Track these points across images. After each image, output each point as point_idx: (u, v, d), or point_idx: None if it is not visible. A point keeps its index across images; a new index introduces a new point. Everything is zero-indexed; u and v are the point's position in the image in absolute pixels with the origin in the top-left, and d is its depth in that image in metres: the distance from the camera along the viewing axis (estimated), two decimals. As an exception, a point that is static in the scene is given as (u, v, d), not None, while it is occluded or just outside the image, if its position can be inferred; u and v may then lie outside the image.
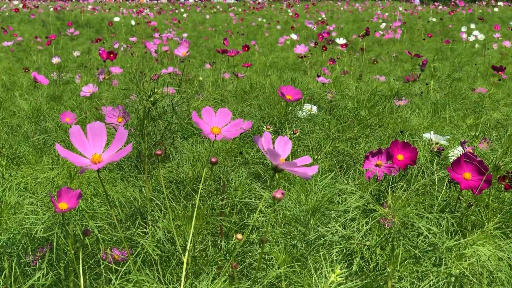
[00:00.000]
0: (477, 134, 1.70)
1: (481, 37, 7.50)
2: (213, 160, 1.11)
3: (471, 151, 1.30)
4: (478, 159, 1.22)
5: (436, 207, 1.27)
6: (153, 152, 1.57)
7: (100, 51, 3.62)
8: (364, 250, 1.20)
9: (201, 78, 3.60)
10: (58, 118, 2.25)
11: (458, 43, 7.72)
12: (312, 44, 6.89)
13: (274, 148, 0.98)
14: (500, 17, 13.15)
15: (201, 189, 1.10)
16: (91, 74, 4.53)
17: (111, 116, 1.69)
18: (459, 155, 1.25)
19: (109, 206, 1.00)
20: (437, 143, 1.51)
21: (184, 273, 1.08)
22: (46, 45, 6.40)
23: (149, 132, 1.53)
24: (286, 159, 0.98)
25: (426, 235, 1.13)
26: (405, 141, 1.28)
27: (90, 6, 18.13)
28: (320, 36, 6.93)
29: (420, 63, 3.11)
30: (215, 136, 1.08)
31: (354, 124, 2.25)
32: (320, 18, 13.18)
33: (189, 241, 1.12)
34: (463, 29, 8.72)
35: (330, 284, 0.98)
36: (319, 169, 1.62)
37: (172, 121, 1.57)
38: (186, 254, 1.10)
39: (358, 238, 1.15)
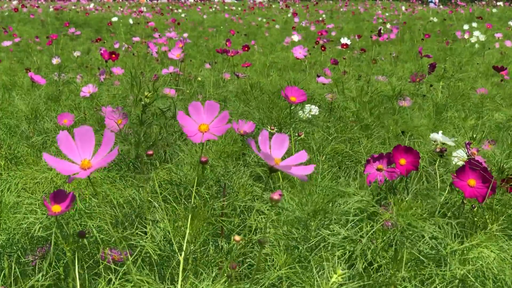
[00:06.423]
0: (475, 135, 1.69)
1: (482, 37, 7.46)
2: (203, 159, 1.10)
3: (476, 153, 1.29)
4: (483, 165, 1.21)
5: (438, 210, 1.26)
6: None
7: (102, 51, 3.59)
8: (367, 252, 1.19)
9: (199, 79, 3.59)
10: (56, 119, 2.23)
11: (458, 43, 7.70)
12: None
13: (270, 145, 0.98)
14: (500, 17, 13.14)
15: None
16: (91, 74, 4.52)
17: (111, 117, 1.67)
18: (464, 162, 1.23)
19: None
20: (443, 143, 1.50)
21: (180, 273, 1.07)
22: (47, 44, 6.38)
23: (144, 134, 1.51)
24: (283, 158, 0.98)
25: (431, 237, 1.12)
26: (407, 146, 1.26)
27: (92, 5, 18.07)
28: (319, 33, 7.03)
29: (428, 65, 3.05)
30: (202, 136, 1.04)
31: (354, 125, 2.24)
32: (320, 18, 13.17)
33: (185, 241, 1.11)
34: (466, 26, 8.70)
35: (331, 284, 0.97)
36: (320, 171, 1.61)
37: (167, 124, 1.54)
38: (183, 254, 1.09)
39: (363, 241, 1.14)
